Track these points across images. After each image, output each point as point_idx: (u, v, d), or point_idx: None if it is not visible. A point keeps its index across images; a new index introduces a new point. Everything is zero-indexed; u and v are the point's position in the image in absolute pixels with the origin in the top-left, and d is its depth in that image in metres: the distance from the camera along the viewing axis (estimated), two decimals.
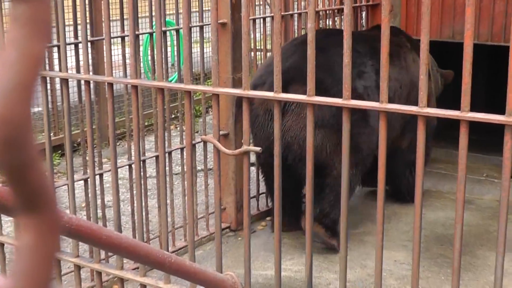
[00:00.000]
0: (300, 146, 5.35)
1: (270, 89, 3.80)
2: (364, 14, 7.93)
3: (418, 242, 2.95)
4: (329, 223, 5.55)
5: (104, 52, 4.20)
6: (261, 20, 7.16)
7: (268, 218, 6.35)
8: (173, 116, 8.66)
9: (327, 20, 7.60)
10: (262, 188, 6.59)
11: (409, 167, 6.25)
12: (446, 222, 6.00)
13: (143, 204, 3.52)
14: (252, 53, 7.49)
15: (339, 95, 3.04)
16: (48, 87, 6.41)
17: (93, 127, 3.54)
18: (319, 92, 4.42)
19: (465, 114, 2.64)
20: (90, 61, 3.53)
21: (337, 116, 5.22)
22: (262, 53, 8.12)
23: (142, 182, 5.11)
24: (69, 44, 5.13)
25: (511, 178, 2.79)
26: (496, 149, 5.75)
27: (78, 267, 3.70)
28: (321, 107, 4.46)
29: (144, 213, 3.68)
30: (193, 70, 3.84)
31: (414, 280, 2.96)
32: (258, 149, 3.20)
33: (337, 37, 5.68)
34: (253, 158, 6.63)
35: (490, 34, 7.29)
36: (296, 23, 7.07)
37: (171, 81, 8.00)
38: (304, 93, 3.01)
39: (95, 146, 4.63)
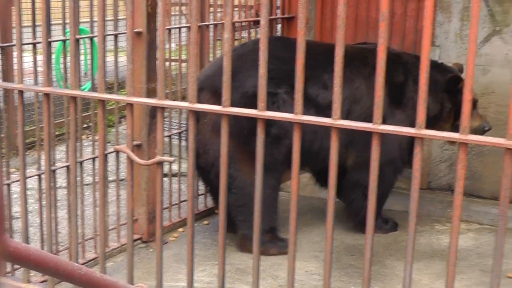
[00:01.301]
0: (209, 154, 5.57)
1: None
2: (279, 26, 8.00)
3: (330, 253, 2.99)
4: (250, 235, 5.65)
5: (15, 59, 4.11)
6: (177, 30, 7.14)
7: (205, 222, 6.47)
8: (85, 125, 8.54)
9: (243, 31, 7.64)
10: (175, 199, 6.57)
11: (359, 188, 6.14)
12: (356, 232, 6.09)
13: (53, 215, 3.45)
14: (167, 63, 7.46)
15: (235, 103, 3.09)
16: None
17: (1, 135, 3.46)
18: (218, 97, 4.62)
19: (377, 126, 2.68)
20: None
21: (237, 126, 5.30)
22: (177, 63, 8.11)
23: (52, 192, 5.02)
24: None
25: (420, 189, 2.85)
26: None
27: None
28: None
29: (53, 224, 3.61)
30: (107, 79, 3.79)
31: None
32: (171, 159, 3.19)
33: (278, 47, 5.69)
34: (165, 169, 6.60)
35: (401, 49, 7.45)
36: (212, 33, 7.07)
37: (84, 89, 7.91)
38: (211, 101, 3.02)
39: (3, 155, 4.52)
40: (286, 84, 5.50)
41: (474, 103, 5.94)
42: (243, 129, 5.49)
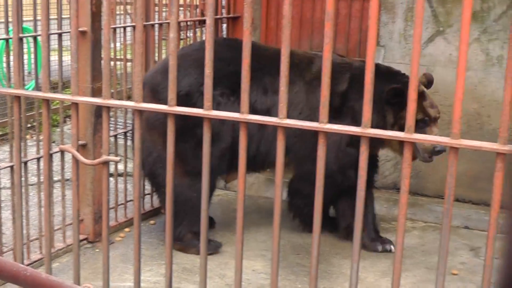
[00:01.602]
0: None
1: None
2: (224, 26, 8.00)
3: (277, 252, 2.99)
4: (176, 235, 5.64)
5: None
6: (122, 29, 7.10)
7: (152, 222, 6.49)
8: (29, 125, 8.43)
9: (188, 31, 7.62)
10: (121, 199, 6.52)
11: (299, 196, 6.10)
12: (303, 231, 6.11)
13: None
14: (112, 63, 7.41)
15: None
16: None
17: None
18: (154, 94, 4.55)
19: (323, 126, 2.69)
20: None
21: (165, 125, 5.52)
22: (122, 62, 8.05)
23: None
24: None
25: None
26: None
27: None
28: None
29: None
30: (51, 78, 3.75)
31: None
32: (117, 159, 3.17)
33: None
34: (111, 168, 6.55)
35: (346, 49, 7.52)
36: (157, 33, 7.04)
37: (28, 89, 7.81)
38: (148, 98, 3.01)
39: None
40: (222, 85, 5.47)
41: (434, 120, 5.74)
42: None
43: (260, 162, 5.87)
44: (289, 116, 4.82)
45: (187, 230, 5.71)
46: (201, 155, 5.48)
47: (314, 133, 3.01)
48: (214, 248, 5.67)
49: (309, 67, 5.92)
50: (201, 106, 2.96)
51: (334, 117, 5.55)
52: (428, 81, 5.92)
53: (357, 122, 5.37)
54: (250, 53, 2.77)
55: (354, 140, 5.34)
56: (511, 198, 0.44)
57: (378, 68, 4.96)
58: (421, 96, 5.50)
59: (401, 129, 5.05)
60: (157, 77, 5.67)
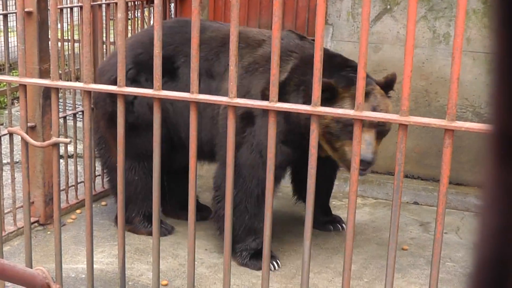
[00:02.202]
0: None
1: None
2: (172, 5, 7.94)
3: (230, 231, 3.00)
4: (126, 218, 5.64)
5: None
6: (68, 9, 7.01)
7: (103, 203, 6.47)
8: None
9: (136, 11, 7.55)
10: (71, 180, 6.47)
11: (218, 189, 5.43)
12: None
13: None
14: (60, 43, 7.31)
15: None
16: None
17: None
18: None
19: (274, 104, 2.70)
20: None
21: (104, 107, 5.48)
22: (69, 43, 7.95)
23: None
24: None
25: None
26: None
27: None
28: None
29: None
30: None
31: (226, 267, 3.00)
32: (67, 140, 3.14)
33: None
34: (61, 150, 6.49)
35: (294, 27, 7.53)
36: (104, 13, 6.96)
37: None
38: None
39: None
40: (148, 71, 4.93)
41: (370, 126, 4.77)
42: (108, 111, 5.52)
43: (205, 151, 5.51)
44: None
45: (136, 212, 5.70)
46: (133, 139, 5.30)
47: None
48: (165, 232, 5.65)
49: (254, 50, 5.45)
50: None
51: (264, 113, 4.81)
52: (386, 83, 5.18)
53: (288, 120, 5.03)
54: (199, 32, 2.76)
55: (290, 140, 5.12)
56: (484, 178, 0.44)
57: (330, 58, 4.65)
58: (367, 96, 4.70)
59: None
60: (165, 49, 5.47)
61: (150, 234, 5.21)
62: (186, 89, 5.05)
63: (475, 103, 6.87)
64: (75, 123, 6.55)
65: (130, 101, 5.34)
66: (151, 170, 4.89)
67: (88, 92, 2.82)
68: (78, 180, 6.48)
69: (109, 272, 5.13)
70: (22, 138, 3.00)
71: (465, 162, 6.75)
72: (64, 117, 6.44)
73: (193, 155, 2.91)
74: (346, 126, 4.73)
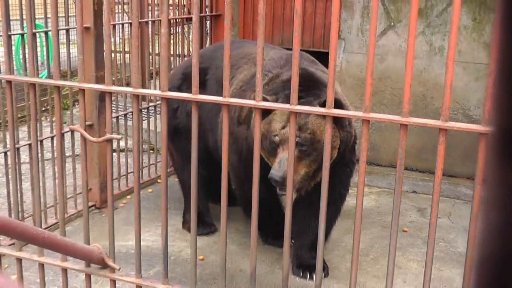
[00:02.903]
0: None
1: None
2: (208, 23, 7.95)
3: (256, 213, 2.98)
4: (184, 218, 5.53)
5: None
6: (120, 25, 7.04)
7: (149, 190, 6.30)
8: (43, 108, 8.36)
9: (177, 27, 7.57)
10: (123, 171, 6.50)
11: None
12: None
13: (18, 187, 3.37)
14: (113, 54, 7.34)
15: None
16: None
17: None
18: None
19: (294, 107, 2.68)
20: None
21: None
22: (121, 54, 8.00)
23: (17, 167, 4.91)
24: None
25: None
26: None
27: None
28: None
29: (19, 195, 3.52)
30: (61, 68, 3.71)
31: (253, 245, 2.98)
32: (119, 137, 3.14)
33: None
34: (114, 145, 6.51)
35: (312, 42, 7.51)
36: (150, 29, 6.99)
37: (41, 77, 7.72)
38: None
39: None
40: (190, 82, 4.71)
41: (282, 142, 4.01)
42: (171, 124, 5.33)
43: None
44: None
45: (187, 210, 5.48)
46: (177, 143, 5.21)
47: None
48: (208, 231, 5.43)
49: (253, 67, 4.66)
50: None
51: (238, 123, 4.57)
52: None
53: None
54: (229, 45, 2.74)
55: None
56: (488, 173, 0.43)
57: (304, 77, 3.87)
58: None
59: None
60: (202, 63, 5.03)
61: (200, 234, 5.06)
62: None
63: (465, 106, 6.83)
64: (125, 122, 6.58)
65: (174, 108, 5.26)
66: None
67: (136, 96, 2.82)
68: (128, 171, 6.51)
69: (154, 248, 5.15)
70: (81, 135, 3.01)
71: (456, 157, 6.71)
72: (117, 117, 6.47)
73: (225, 151, 2.90)
74: (270, 143, 4.10)
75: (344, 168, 4.59)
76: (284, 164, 3.85)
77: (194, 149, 2.78)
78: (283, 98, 3.96)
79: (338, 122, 3.95)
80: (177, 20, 7.53)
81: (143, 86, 7.01)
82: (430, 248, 2.52)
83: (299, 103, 3.40)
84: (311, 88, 4.09)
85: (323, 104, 3.37)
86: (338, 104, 3.31)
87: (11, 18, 3.68)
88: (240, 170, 4.65)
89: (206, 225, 5.41)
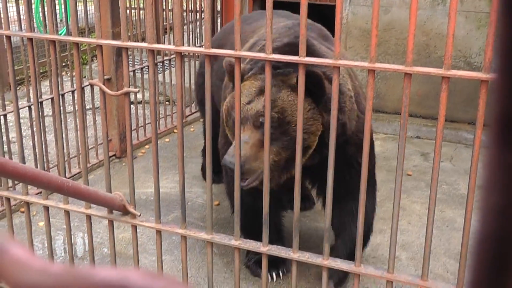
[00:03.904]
0: None
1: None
2: None
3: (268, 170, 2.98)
4: None
5: (1, 9, 3.95)
6: None
7: (166, 140, 6.33)
8: (63, 64, 8.34)
9: None
10: (141, 122, 6.53)
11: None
12: None
13: (42, 139, 3.39)
14: (128, 11, 7.29)
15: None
16: None
17: None
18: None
19: (303, 59, 2.64)
20: None
21: None
22: (136, 10, 7.93)
23: (41, 120, 4.93)
24: None
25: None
26: None
27: None
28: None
29: (43, 147, 3.54)
30: (79, 25, 3.69)
31: (266, 191, 3.00)
32: (136, 90, 3.14)
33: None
34: (131, 98, 6.51)
35: None
36: None
37: (60, 34, 7.69)
38: None
39: None
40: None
41: (246, 120, 3.26)
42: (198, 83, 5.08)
43: None
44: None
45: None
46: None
47: None
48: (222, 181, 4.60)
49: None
50: None
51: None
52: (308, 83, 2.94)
53: None
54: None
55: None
56: (489, 156, 0.42)
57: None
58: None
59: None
60: (220, 41, 4.61)
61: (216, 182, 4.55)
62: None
63: (466, 54, 6.76)
64: (142, 75, 6.57)
65: (200, 83, 5.00)
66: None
67: (152, 51, 2.81)
68: (146, 122, 6.53)
69: (172, 194, 5.20)
70: (100, 89, 3.01)
71: (458, 103, 6.67)
72: (133, 71, 6.46)
73: (238, 106, 2.89)
74: (232, 120, 3.32)
75: (350, 169, 3.62)
76: (243, 149, 3.11)
77: (208, 102, 2.77)
78: (259, 68, 3.32)
79: (320, 102, 3.23)
80: None
81: (158, 41, 6.98)
82: (433, 191, 2.53)
83: (275, 74, 3.21)
84: None
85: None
86: (318, 80, 3.12)
87: None
88: (221, 144, 3.90)
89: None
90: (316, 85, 3.15)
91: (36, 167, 4.75)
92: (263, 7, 7.74)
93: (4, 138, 4.79)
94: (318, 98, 3.21)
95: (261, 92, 3.24)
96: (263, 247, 2.84)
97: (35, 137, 4.82)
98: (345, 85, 3.42)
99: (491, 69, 2.27)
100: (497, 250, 0.33)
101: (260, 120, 3.19)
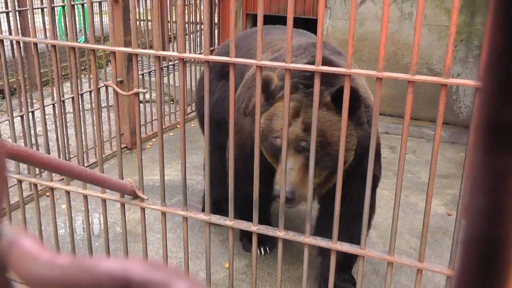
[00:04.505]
0: None
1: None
2: None
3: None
4: None
5: (29, 20, 3.91)
6: None
7: (171, 134, 6.29)
8: (82, 67, 8.30)
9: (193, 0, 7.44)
10: (148, 118, 6.49)
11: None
12: None
13: (64, 132, 3.36)
14: (138, 22, 7.25)
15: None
16: None
17: (25, 76, 3.31)
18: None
19: (318, 67, 2.61)
20: (18, 26, 3.27)
21: None
22: (144, 22, 7.89)
23: (63, 117, 4.90)
24: (1, 12, 4.77)
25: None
26: None
27: (19, 181, 3.52)
28: None
29: (65, 139, 3.50)
30: (95, 34, 3.65)
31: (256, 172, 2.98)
32: (144, 90, 3.11)
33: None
34: (141, 97, 6.47)
35: (303, 10, 7.38)
36: (169, 1, 6.88)
37: (80, 42, 7.65)
38: None
39: (27, 90, 4.36)
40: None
41: (293, 142, 2.88)
42: (199, 112, 4.33)
43: None
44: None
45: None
46: (212, 131, 3.40)
47: None
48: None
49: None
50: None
51: (245, 115, 3.35)
52: (337, 95, 2.81)
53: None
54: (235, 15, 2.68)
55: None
56: (475, 159, 0.41)
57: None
58: (299, 110, 2.92)
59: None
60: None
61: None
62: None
63: (429, 62, 6.78)
64: (149, 78, 6.53)
65: (201, 96, 4.22)
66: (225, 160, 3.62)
67: (158, 57, 2.79)
68: (153, 118, 6.50)
69: (175, 181, 5.18)
70: (114, 89, 2.99)
71: (421, 104, 6.69)
72: (142, 74, 6.43)
73: (258, 111, 2.87)
74: (272, 146, 3.00)
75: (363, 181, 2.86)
76: (291, 176, 2.81)
77: (206, 101, 2.75)
78: (291, 87, 2.87)
79: (354, 117, 2.84)
80: None
81: (163, 48, 6.94)
82: (399, 179, 2.52)
83: (308, 93, 2.86)
84: (325, 76, 2.83)
85: (334, 94, 2.80)
86: (354, 94, 2.71)
87: None
88: (240, 165, 3.16)
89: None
90: (353, 99, 2.71)
91: (59, 157, 4.73)
92: (254, 20, 7.71)
93: (32, 132, 4.78)
94: (353, 112, 2.78)
95: (296, 114, 2.88)
96: (254, 227, 2.84)
97: (58, 131, 4.80)
98: (370, 99, 3.10)
99: (477, 76, 2.27)
100: (483, 252, 0.32)
101: (302, 144, 2.84)
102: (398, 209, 2.55)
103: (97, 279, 0.40)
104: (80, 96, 5.14)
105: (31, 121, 4.60)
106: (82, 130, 5.40)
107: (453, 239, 2.47)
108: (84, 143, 5.29)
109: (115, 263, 0.40)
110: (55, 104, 5.13)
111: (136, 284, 0.39)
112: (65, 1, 3.78)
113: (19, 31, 4.21)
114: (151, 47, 6.72)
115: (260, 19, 2.47)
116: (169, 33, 7.79)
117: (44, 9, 4.87)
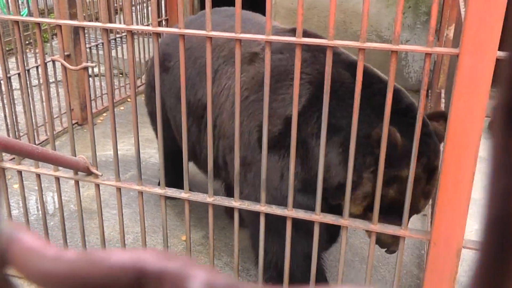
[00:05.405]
0: None
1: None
2: None
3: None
4: None
5: None
6: None
7: (121, 108, 6.19)
8: (27, 42, 8.04)
9: None
10: (98, 93, 6.37)
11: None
12: None
13: (13, 110, 3.26)
14: None
15: None
16: None
17: None
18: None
19: (331, 41, 2.59)
20: None
21: None
22: None
23: (10, 93, 4.75)
24: None
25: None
26: None
27: None
28: None
29: (14, 117, 3.40)
30: (39, 6, 3.53)
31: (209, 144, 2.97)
32: (93, 64, 3.04)
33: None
34: (89, 71, 6.33)
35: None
36: None
37: (23, 15, 7.39)
38: None
39: None
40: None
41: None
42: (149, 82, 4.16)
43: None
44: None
45: None
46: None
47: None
48: None
49: (244, 69, 3.14)
50: None
51: (272, 152, 2.90)
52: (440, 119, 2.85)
53: (308, 165, 2.86)
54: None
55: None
56: (496, 141, 0.40)
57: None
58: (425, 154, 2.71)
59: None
60: (167, 48, 3.87)
61: None
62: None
63: (377, 29, 6.85)
64: (97, 51, 6.39)
65: (149, 95, 4.19)
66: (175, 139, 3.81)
67: (105, 29, 2.72)
68: (103, 92, 6.38)
69: (128, 156, 5.13)
70: (62, 64, 2.91)
71: None
72: (90, 48, 6.28)
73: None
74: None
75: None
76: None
77: (157, 83, 2.71)
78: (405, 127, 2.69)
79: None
80: None
81: (110, 20, 6.78)
82: (352, 142, 2.56)
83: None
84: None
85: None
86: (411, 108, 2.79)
87: None
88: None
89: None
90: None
91: (8, 135, 4.60)
92: None
93: None
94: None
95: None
96: (209, 198, 2.84)
97: (6, 109, 4.66)
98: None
99: (504, 55, 2.29)
100: (505, 232, 0.32)
101: None
102: (382, 182, 2.58)
103: (109, 272, 0.38)
104: (27, 72, 4.99)
105: None
106: (31, 107, 5.26)
107: (405, 200, 2.53)
108: (33, 120, 5.16)
109: (127, 255, 0.39)
110: (1, 81, 4.97)
111: (151, 275, 0.38)
112: None
113: None
114: (97, 19, 6.56)
115: (238, 5, 2.43)
116: (115, 5, 7.60)
117: None
